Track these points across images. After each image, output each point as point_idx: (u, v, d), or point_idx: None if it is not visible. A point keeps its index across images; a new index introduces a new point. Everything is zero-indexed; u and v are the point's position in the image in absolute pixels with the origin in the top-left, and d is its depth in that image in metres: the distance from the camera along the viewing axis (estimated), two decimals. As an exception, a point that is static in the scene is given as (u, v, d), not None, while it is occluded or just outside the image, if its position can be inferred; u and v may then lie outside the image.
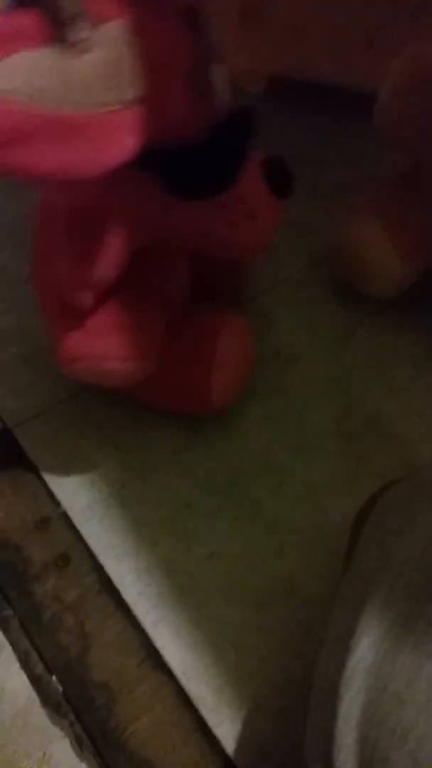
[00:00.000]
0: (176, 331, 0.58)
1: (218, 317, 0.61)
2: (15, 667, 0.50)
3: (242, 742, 0.47)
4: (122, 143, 0.39)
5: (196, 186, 0.49)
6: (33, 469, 0.59)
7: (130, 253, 0.51)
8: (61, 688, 0.49)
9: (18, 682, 0.49)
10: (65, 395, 0.63)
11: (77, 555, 0.55)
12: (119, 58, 0.38)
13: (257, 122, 0.51)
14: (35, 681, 0.49)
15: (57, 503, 0.57)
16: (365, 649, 0.38)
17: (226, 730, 0.48)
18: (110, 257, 0.50)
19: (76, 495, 0.57)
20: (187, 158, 0.47)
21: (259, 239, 0.60)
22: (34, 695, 0.49)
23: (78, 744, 0.47)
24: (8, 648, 0.50)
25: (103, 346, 0.52)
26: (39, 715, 0.48)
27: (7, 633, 0.51)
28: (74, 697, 0.49)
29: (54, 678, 0.49)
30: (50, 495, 0.57)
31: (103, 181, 0.40)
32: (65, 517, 0.56)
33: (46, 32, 0.36)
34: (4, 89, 0.34)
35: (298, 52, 0.80)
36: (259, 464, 0.61)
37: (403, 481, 0.47)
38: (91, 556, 0.55)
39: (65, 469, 0.59)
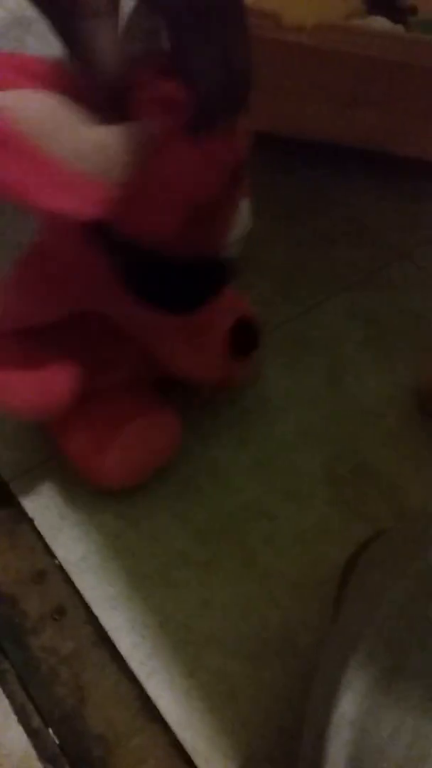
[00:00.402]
0: (104, 400, 0.60)
1: (145, 402, 0.63)
2: (12, 720, 0.50)
3: (235, 794, 0.48)
4: (77, 203, 0.42)
5: (152, 294, 0.52)
6: (29, 523, 0.60)
7: (56, 310, 0.55)
8: (57, 741, 0.50)
9: (15, 736, 0.50)
10: (57, 449, 0.64)
11: (72, 607, 0.56)
12: (125, 150, 0.42)
13: (233, 275, 0.55)
14: (32, 734, 0.50)
15: (53, 556, 0.58)
16: (349, 703, 0.39)
17: (220, 781, 0.48)
18: (43, 308, 0.54)
19: (72, 547, 0.59)
20: (157, 268, 0.50)
21: (203, 374, 0.63)
22: (30, 749, 0.49)
23: (74, 798, 0.48)
24: (5, 701, 0.51)
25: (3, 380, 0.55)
26: (36, 768, 0.49)
27: (4, 686, 0.52)
28: (71, 750, 0.50)
29: (51, 731, 0.50)
30: (46, 548, 0.59)
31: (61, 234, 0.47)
32: (61, 570, 0.57)
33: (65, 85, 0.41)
34: (18, 116, 0.39)
35: (283, 112, 0.83)
36: (252, 512, 0.63)
37: (387, 534, 0.49)
38: (86, 608, 0.56)
39: (61, 521, 0.60)
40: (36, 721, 0.51)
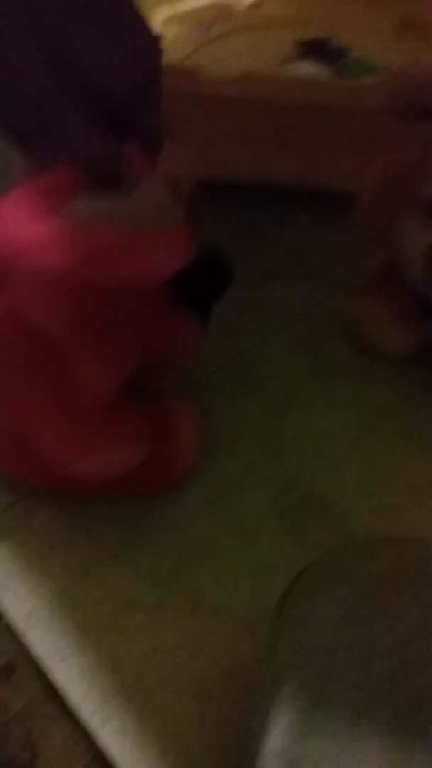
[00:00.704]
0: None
1: (165, 400, 0.68)
2: (-36, 783, 0.51)
3: None
4: (175, 257, 0.48)
5: (200, 294, 0.63)
6: (-23, 582, 0.61)
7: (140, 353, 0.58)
8: (11, 800, 0.50)
9: (-34, 799, 0.50)
10: (6, 504, 0.65)
11: (22, 663, 0.56)
12: (156, 201, 0.49)
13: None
14: (-16, 795, 0.50)
15: (1, 613, 0.59)
16: (277, 737, 0.39)
17: None
18: (132, 356, 0.57)
19: (21, 603, 0.59)
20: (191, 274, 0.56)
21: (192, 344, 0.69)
22: (-17, 810, 0.49)
23: None
24: (-43, 764, 0.51)
25: (116, 435, 0.59)
26: None
27: None
28: (24, 808, 0.50)
29: (3, 790, 0.50)
30: (-5, 606, 0.59)
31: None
32: (9, 627, 0.58)
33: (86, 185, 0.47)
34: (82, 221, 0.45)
35: (215, 159, 0.86)
36: (201, 551, 0.63)
37: (318, 563, 0.50)
38: (37, 662, 0.56)
39: (8, 577, 0.60)
40: (-13, 782, 0.51)
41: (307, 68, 0.93)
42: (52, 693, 0.55)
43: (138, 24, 0.50)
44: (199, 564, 0.62)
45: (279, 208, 0.96)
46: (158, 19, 1.11)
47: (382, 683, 0.40)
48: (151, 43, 0.52)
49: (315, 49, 1.10)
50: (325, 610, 0.44)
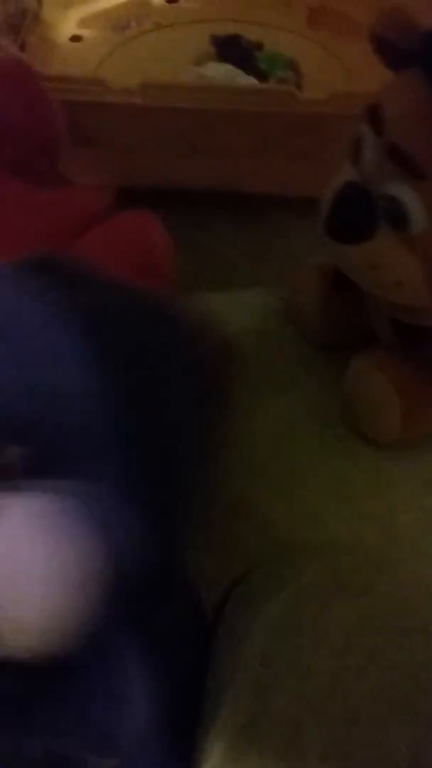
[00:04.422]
0: None
1: None
2: None
3: None
4: None
5: None
6: None
7: None
8: None
9: None
10: None
11: None
12: None
13: None
14: None
15: None
16: (217, 755, 0.39)
17: None
18: None
19: None
20: None
21: None
22: None
23: None
24: None
25: None
26: None
27: None
28: None
29: None
30: None
31: None
32: None
33: None
34: None
35: (130, 167, 0.86)
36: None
37: (247, 576, 0.50)
38: None
39: None
40: None
41: (212, 71, 0.93)
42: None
43: None
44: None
45: (195, 212, 0.95)
46: (73, 19, 1.08)
47: (320, 694, 0.40)
48: None
49: (228, 45, 1.09)
50: (257, 622, 0.44)
